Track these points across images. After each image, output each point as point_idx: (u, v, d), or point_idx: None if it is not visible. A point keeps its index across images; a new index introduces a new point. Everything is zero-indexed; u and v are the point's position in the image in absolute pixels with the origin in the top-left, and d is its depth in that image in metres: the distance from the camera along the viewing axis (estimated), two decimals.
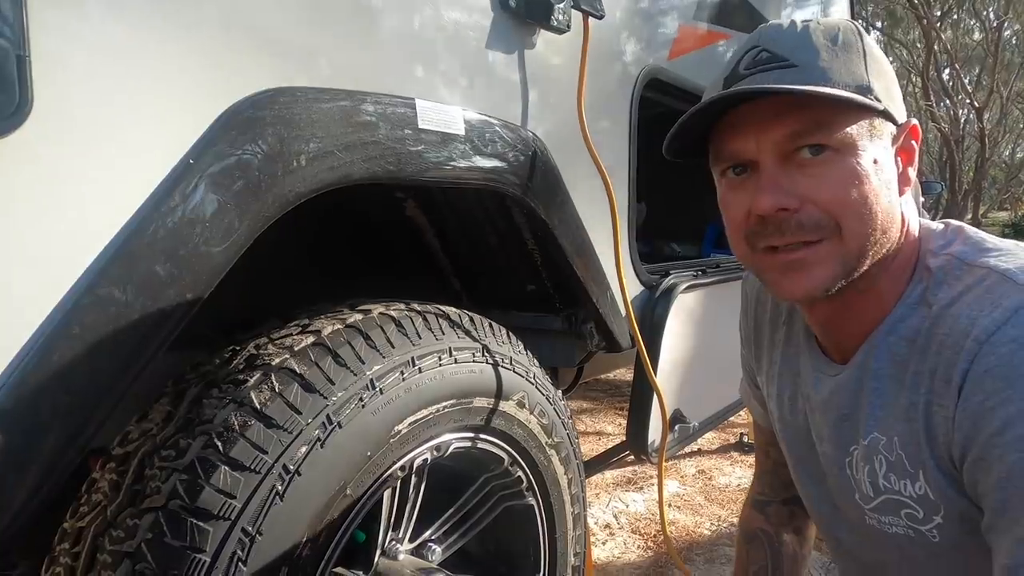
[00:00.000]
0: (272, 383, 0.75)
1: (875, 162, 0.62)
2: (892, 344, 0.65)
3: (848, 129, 0.61)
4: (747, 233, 0.66)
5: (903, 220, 0.66)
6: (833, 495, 0.76)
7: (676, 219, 2.46)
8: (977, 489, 0.57)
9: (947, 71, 15.67)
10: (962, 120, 16.82)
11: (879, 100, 0.62)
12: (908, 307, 0.65)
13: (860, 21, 3.29)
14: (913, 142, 0.66)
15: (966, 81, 16.47)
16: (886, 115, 0.63)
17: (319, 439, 0.75)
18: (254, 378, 0.75)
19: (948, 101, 15.79)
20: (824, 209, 0.62)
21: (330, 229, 1.25)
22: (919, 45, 15.83)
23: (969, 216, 15.05)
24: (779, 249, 0.64)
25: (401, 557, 0.93)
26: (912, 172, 0.66)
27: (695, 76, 1.55)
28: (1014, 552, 0.52)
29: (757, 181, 0.64)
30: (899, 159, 0.65)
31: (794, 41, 0.64)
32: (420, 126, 0.83)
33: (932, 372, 0.61)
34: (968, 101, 15.66)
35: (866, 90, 0.62)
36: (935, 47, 13.55)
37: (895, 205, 0.64)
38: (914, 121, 0.66)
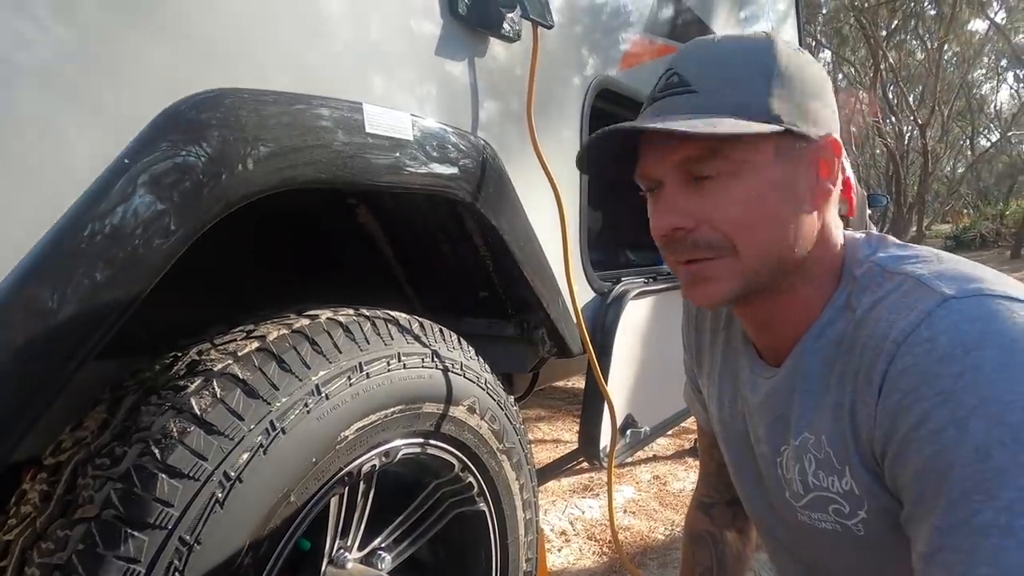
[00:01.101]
0: (214, 389, 0.73)
1: (776, 181, 0.64)
2: (820, 347, 0.68)
3: (744, 152, 0.64)
4: (661, 247, 0.70)
5: (824, 230, 0.68)
6: (770, 495, 0.79)
7: (632, 228, 2.50)
8: (897, 483, 0.60)
9: (892, 88, 16.31)
10: (907, 136, 17.51)
11: (780, 121, 0.63)
12: (835, 311, 0.68)
13: (809, 39, 3.40)
14: (833, 155, 0.66)
15: (910, 99, 17.17)
16: (794, 133, 0.64)
17: (262, 445, 0.74)
18: (195, 384, 0.74)
19: (894, 118, 16.43)
20: (718, 230, 0.65)
21: (286, 238, 1.24)
22: (868, 64, 16.45)
23: (914, 228, 15.65)
24: (687, 261, 0.68)
25: (349, 566, 0.92)
26: (831, 184, 0.67)
27: (645, 87, 1.58)
28: (930, 539, 0.54)
29: (662, 200, 0.68)
30: (815, 173, 0.66)
31: (700, 64, 0.67)
32: (367, 131, 0.83)
33: (855, 373, 0.63)
34: (912, 118, 16.33)
35: (764, 113, 0.63)
36: (881, 66, 14.10)
37: (805, 219, 0.66)
38: (832, 135, 0.67)
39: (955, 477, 0.53)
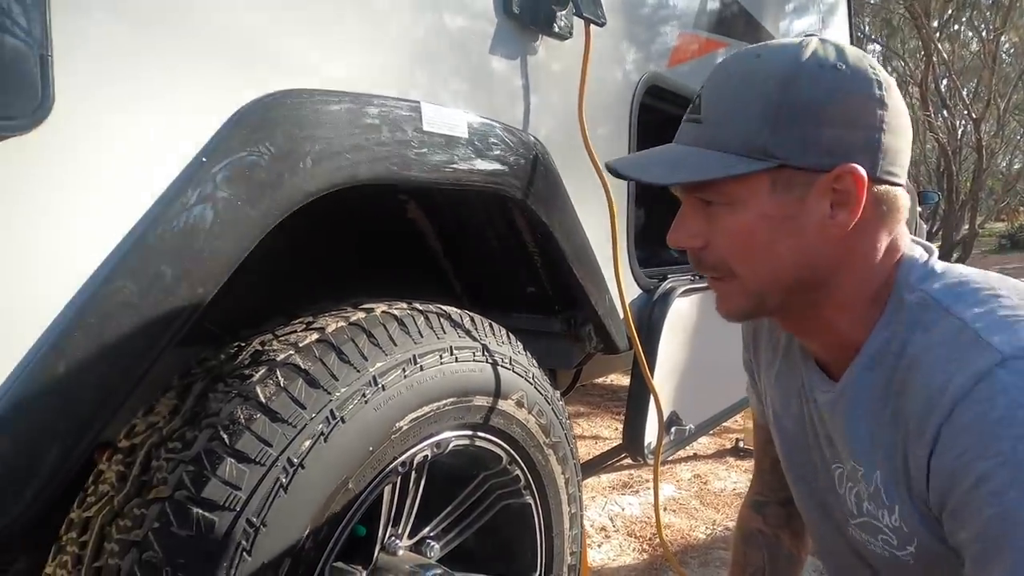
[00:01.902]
0: (277, 378, 0.76)
1: (770, 215, 0.65)
2: (873, 379, 0.68)
3: (735, 187, 0.65)
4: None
5: (856, 257, 0.67)
6: (823, 495, 0.79)
7: None
8: (958, 539, 0.60)
9: (945, 82, 15.75)
10: (959, 131, 16.89)
11: (773, 156, 0.63)
12: (883, 341, 0.67)
13: (857, 32, 3.30)
14: (852, 185, 0.64)
15: (964, 92, 16.56)
16: (791, 167, 0.64)
17: (323, 433, 0.76)
18: (259, 373, 0.77)
19: (946, 112, 15.87)
20: (719, 254, 0.69)
21: (334, 234, 1.27)
22: (919, 55, 15.93)
23: (966, 226, 15.12)
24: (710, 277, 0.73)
25: (400, 553, 0.95)
26: (846, 214, 0.65)
27: (694, 83, 1.57)
28: None
29: (678, 216, 0.72)
30: (827, 203, 0.65)
31: (716, 89, 0.69)
32: (424, 128, 0.85)
33: (907, 418, 0.64)
34: (966, 112, 15.75)
35: (758, 149, 0.64)
36: (934, 58, 13.63)
37: (814, 249, 0.66)
38: (850, 166, 0.63)
39: (1018, 539, 0.53)
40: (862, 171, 0.63)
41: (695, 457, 2.95)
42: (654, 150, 0.72)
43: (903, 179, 0.68)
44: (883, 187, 0.66)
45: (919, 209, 7.17)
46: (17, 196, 0.51)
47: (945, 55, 14.63)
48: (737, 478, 2.71)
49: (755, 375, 0.95)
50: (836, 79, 0.64)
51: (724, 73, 0.69)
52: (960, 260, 13.30)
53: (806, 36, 0.69)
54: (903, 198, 0.68)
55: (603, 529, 2.25)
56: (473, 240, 1.23)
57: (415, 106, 0.84)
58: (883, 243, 0.68)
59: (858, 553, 0.76)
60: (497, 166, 0.98)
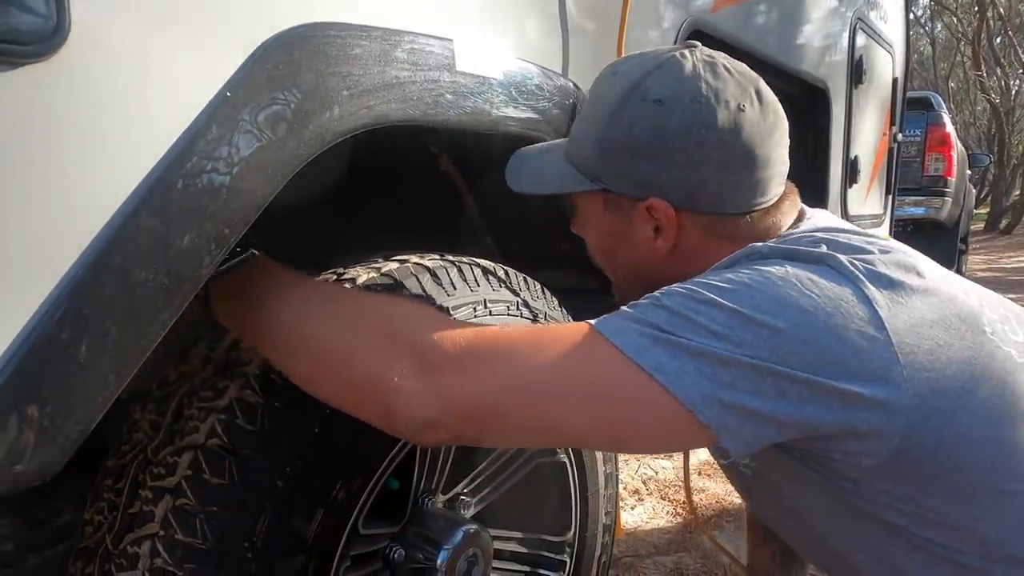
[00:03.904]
0: None
1: (609, 230, 0.75)
2: None
3: (579, 201, 0.78)
4: None
5: (686, 272, 0.68)
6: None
7: None
8: None
9: (999, 39, 14.97)
10: (1014, 91, 16.09)
11: (599, 180, 0.72)
12: None
13: None
14: (663, 217, 0.71)
15: (1020, 51, 15.72)
16: (614, 191, 0.73)
17: None
18: None
19: (1000, 70, 15.11)
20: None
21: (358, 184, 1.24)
22: (973, 11, 15.13)
23: (1017, 192, 14.49)
24: None
25: (434, 509, 0.94)
26: (663, 240, 0.72)
27: (737, 30, 1.49)
28: None
29: None
30: (650, 229, 0.72)
31: (588, 100, 0.78)
32: (458, 68, 0.81)
33: None
34: (1021, 71, 14.97)
35: (589, 171, 0.73)
36: (988, 13, 12.93)
37: (645, 264, 0.74)
38: (657, 201, 0.70)
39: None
40: (669, 206, 0.69)
41: None
42: (536, 147, 0.85)
43: (743, 208, 0.70)
44: (711, 218, 0.70)
45: (969, 172, 6.86)
46: (30, 129, 0.49)
47: (1001, 9, 13.88)
48: None
49: None
50: (655, 116, 0.67)
51: (595, 84, 0.77)
52: (1009, 227, 12.77)
53: (675, 48, 0.72)
54: (747, 225, 0.70)
55: (636, 492, 2.24)
56: (505, 194, 1.19)
57: (448, 44, 0.80)
58: (722, 257, 0.69)
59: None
60: (533, 111, 0.94)
